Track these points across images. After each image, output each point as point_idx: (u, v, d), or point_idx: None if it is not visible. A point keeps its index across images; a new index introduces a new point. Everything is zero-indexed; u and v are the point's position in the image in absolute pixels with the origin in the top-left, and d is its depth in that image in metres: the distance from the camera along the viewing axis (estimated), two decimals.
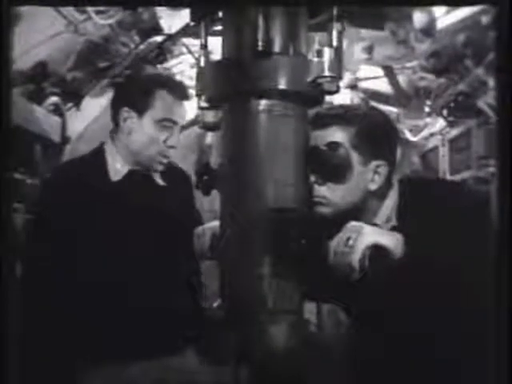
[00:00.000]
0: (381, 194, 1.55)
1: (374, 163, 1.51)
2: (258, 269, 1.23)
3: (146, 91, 1.82)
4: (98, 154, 1.86)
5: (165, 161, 1.85)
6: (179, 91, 1.85)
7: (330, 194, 1.50)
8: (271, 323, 1.22)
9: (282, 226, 1.23)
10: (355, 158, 1.50)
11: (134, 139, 1.81)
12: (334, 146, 1.47)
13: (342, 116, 1.52)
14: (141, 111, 1.81)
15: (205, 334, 1.41)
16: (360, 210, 1.54)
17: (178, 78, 3.54)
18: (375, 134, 1.52)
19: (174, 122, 1.83)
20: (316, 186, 1.48)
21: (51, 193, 1.80)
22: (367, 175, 1.51)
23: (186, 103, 1.88)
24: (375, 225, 1.50)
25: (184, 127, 1.96)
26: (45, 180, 1.98)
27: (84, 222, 1.72)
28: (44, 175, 2.91)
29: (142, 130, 1.81)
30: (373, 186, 1.52)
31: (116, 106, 1.86)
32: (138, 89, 1.85)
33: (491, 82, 3.61)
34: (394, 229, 1.48)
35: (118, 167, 1.83)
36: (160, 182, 1.91)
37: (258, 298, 1.23)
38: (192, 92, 1.94)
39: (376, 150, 1.51)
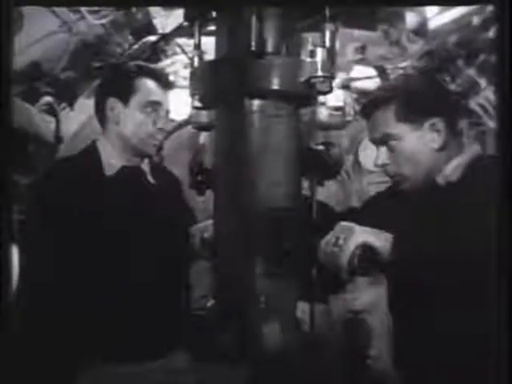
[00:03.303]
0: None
1: (428, 122, 1.54)
2: (251, 268, 1.24)
3: (129, 79, 1.84)
4: (91, 151, 1.87)
5: (157, 143, 1.86)
6: (161, 78, 1.88)
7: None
8: (264, 323, 1.23)
9: (274, 226, 1.24)
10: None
11: (123, 126, 1.83)
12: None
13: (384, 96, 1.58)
14: (125, 98, 1.83)
15: (198, 334, 1.41)
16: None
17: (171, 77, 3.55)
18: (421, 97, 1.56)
19: (159, 104, 1.85)
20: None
21: (45, 191, 1.80)
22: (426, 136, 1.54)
23: (169, 91, 1.91)
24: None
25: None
26: (38, 179, 1.98)
27: (78, 218, 1.72)
28: (36, 175, 2.89)
29: (129, 116, 1.82)
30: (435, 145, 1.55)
31: (101, 99, 1.88)
32: (120, 78, 1.87)
33: (483, 83, 3.64)
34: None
35: (112, 162, 1.84)
36: (151, 179, 1.92)
37: (251, 297, 1.23)
38: (173, 82, 1.98)
39: (428, 109, 1.55)
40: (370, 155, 1.81)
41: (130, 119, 1.83)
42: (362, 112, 1.63)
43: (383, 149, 1.58)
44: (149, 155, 1.89)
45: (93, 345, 1.70)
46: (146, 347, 1.75)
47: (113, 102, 1.84)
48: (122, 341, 1.72)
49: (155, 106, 1.84)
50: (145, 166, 1.91)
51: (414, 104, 1.54)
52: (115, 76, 1.94)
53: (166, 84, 1.89)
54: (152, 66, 2.04)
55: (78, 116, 3.72)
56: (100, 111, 1.88)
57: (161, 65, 3.79)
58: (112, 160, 1.84)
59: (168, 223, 1.85)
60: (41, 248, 1.73)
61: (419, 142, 1.53)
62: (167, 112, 1.89)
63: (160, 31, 3.59)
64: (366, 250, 1.33)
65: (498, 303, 1.11)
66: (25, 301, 1.66)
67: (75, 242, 1.70)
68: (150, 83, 1.85)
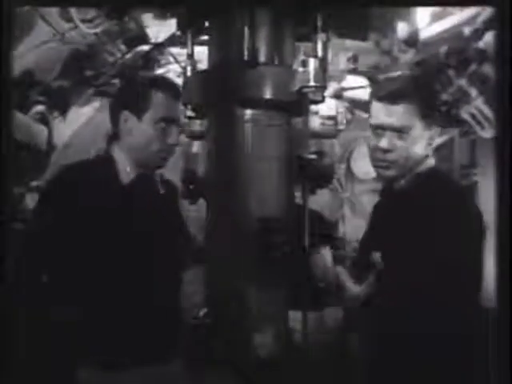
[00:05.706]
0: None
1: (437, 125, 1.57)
2: (243, 277, 1.24)
3: (143, 94, 1.85)
4: (106, 158, 1.88)
5: (168, 156, 1.88)
6: (173, 90, 1.89)
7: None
8: (257, 331, 1.23)
9: (267, 234, 1.25)
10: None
11: (135, 137, 1.85)
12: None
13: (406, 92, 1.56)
14: (140, 114, 1.84)
15: (191, 342, 1.41)
16: None
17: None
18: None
19: (173, 120, 1.86)
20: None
21: (56, 196, 1.80)
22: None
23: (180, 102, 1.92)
24: None
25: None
26: (49, 183, 1.98)
27: (90, 224, 1.72)
28: (28, 184, 2.88)
29: (142, 129, 1.84)
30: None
31: (115, 110, 1.89)
32: (135, 92, 1.88)
33: (473, 92, 3.67)
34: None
35: (127, 170, 1.86)
36: (161, 189, 1.94)
37: (244, 306, 1.24)
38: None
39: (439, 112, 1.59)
40: (362, 164, 1.82)
41: (142, 134, 1.84)
42: (386, 97, 1.58)
43: (392, 135, 1.56)
44: (157, 167, 1.91)
45: (87, 351, 1.70)
46: (140, 354, 1.74)
47: (127, 115, 1.85)
48: (115, 347, 1.72)
49: (168, 121, 1.85)
50: (156, 175, 1.93)
51: (435, 104, 1.59)
52: (130, 89, 1.95)
53: (177, 95, 1.90)
54: (165, 78, 2.04)
55: (71, 125, 3.72)
56: (114, 122, 1.90)
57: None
58: (127, 168, 1.86)
59: (169, 231, 1.86)
60: (45, 249, 1.74)
61: (423, 140, 1.56)
62: (179, 127, 1.90)
63: (153, 40, 3.59)
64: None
65: (500, 307, 1.12)
66: (27, 308, 1.66)
67: (80, 246, 1.71)
68: (163, 98, 1.85)
